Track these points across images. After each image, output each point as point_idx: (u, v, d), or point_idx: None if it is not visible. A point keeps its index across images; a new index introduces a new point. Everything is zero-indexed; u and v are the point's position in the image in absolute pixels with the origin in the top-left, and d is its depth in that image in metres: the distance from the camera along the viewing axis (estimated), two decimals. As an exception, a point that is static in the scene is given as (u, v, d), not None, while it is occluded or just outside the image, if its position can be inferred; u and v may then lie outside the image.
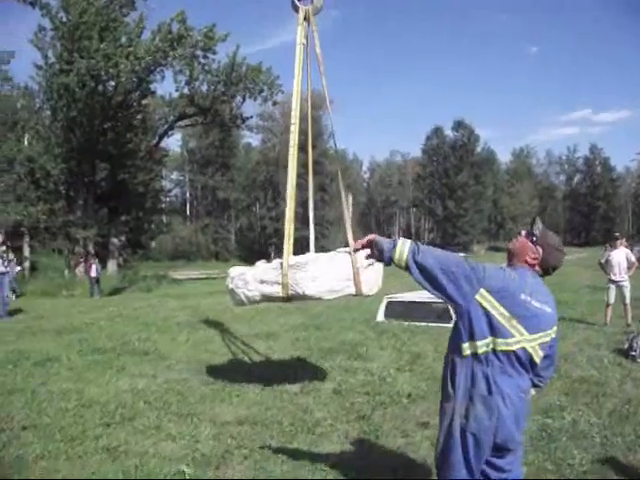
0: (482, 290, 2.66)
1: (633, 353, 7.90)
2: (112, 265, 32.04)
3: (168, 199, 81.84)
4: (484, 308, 2.67)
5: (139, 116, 30.68)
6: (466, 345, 2.74)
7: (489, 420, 2.67)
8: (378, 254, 2.92)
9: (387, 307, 12.00)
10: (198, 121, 33.75)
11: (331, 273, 5.16)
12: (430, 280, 2.74)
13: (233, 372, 7.42)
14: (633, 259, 11.21)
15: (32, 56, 29.70)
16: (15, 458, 4.60)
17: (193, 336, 10.20)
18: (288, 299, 5.38)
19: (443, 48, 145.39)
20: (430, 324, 10.99)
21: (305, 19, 6.13)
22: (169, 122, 31.92)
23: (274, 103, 30.91)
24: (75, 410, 5.81)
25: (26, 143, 33.73)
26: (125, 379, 7.16)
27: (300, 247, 7.08)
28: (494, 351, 2.69)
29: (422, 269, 2.74)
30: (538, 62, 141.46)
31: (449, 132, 79.49)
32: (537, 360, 2.76)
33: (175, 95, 30.85)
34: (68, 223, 29.99)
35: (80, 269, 29.52)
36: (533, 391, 3.04)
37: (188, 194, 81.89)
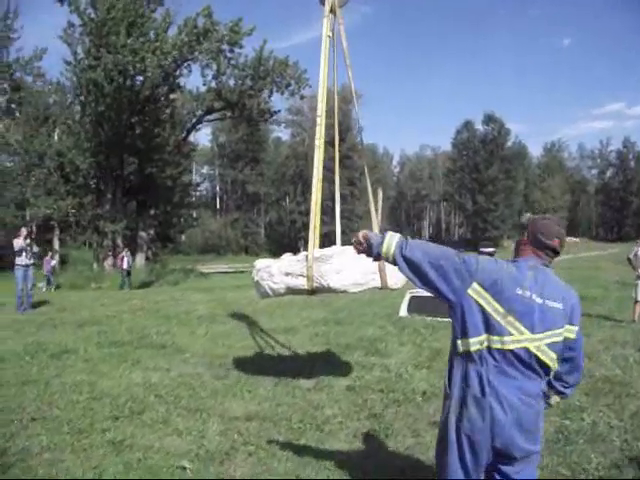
0: (475, 284, 2.52)
1: (661, 352, 7.62)
2: (140, 259, 32.36)
3: (198, 193, 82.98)
4: (478, 304, 2.52)
5: (167, 110, 30.81)
6: (459, 342, 2.60)
7: (482, 422, 2.51)
8: (368, 249, 2.78)
9: (410, 302, 11.81)
10: (226, 115, 33.86)
11: (356, 266, 5.12)
12: (419, 275, 2.61)
13: (248, 366, 7.33)
14: None
15: (62, 52, 30.10)
16: (21, 449, 4.58)
17: (212, 330, 10.15)
18: (312, 292, 5.34)
19: (475, 42, 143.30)
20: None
21: (331, 11, 6.03)
22: (197, 116, 32.01)
23: (301, 97, 30.84)
24: (85, 403, 5.80)
25: (56, 138, 34.22)
26: (138, 372, 7.14)
27: (328, 241, 7.01)
28: (489, 349, 2.53)
29: (410, 263, 2.61)
30: (571, 55, 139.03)
31: (479, 126, 78.59)
32: (549, 362, 2.56)
33: (203, 89, 30.96)
34: (97, 217, 30.37)
35: (109, 262, 29.89)
36: (557, 398, 2.91)
37: (218, 188, 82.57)
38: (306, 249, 5.44)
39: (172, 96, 30.52)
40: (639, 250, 10.86)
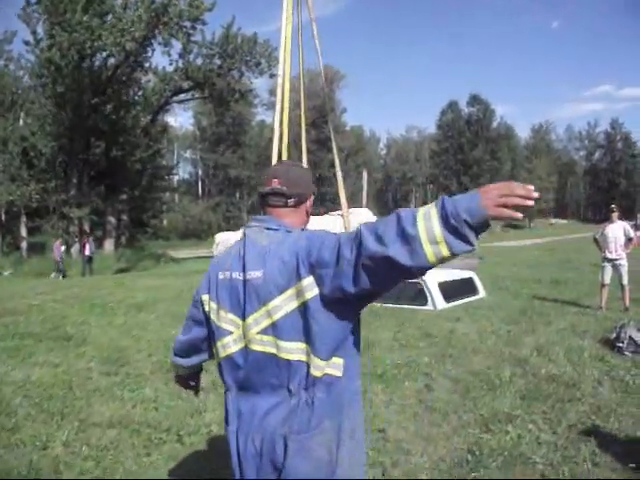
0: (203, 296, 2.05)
1: (620, 344, 6.68)
2: (109, 244, 31.33)
3: (177, 177, 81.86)
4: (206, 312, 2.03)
5: (131, 91, 29.58)
6: None
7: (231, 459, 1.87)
8: None
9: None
10: (194, 95, 32.61)
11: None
12: None
13: (147, 361, 6.58)
14: (632, 234, 9.83)
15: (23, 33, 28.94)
16: None
17: (133, 319, 9.46)
18: None
19: (463, 23, 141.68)
20: (403, 306, 9.94)
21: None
22: (164, 97, 30.79)
23: (271, 76, 29.59)
24: None
25: (21, 122, 33.05)
26: (23, 368, 6.49)
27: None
28: (219, 364, 1.96)
29: None
30: (560, 36, 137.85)
31: (465, 107, 77.37)
32: (284, 356, 1.78)
33: (170, 69, 29.77)
34: (62, 202, 29.24)
35: (75, 248, 28.83)
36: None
37: (199, 172, 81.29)
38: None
39: (135, 76, 29.24)
40: (605, 229, 9.94)
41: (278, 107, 5.33)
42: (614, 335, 6.92)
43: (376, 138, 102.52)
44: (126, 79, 27.86)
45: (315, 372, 1.73)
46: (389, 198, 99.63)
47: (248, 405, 1.83)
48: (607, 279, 9.74)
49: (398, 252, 1.51)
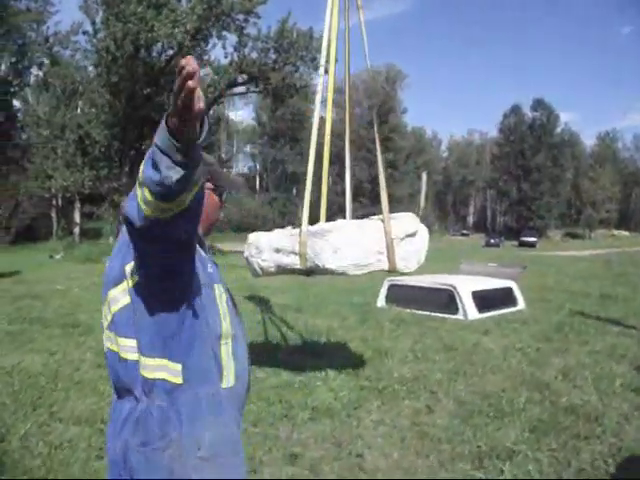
0: None
1: (659, 373, 5.99)
2: (158, 233, 31.65)
3: (237, 170, 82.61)
4: None
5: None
6: None
7: None
8: None
9: (389, 291, 10.42)
10: (249, 89, 32.52)
11: (358, 244, 4.30)
12: None
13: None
14: None
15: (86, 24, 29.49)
16: None
17: None
18: (307, 272, 4.68)
19: (532, 27, 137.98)
20: (433, 314, 9.40)
21: None
22: (218, 90, 30.75)
23: (326, 71, 29.17)
24: None
25: (79, 110, 33.77)
26: (18, 354, 6.47)
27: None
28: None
29: None
30: (630, 43, 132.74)
31: (528, 112, 75.21)
32: (123, 355, 1.61)
33: (225, 62, 29.71)
34: (113, 190, 29.65)
35: (123, 236, 29.26)
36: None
37: (258, 166, 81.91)
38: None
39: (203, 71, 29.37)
40: None
41: (318, 98, 5.17)
42: (654, 362, 6.22)
43: (438, 140, 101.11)
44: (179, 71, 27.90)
45: (145, 372, 1.56)
46: (448, 201, 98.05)
47: (116, 409, 1.68)
48: None
49: (130, 206, 1.32)
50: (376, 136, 5.46)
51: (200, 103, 1.12)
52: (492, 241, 55.57)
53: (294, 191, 75.32)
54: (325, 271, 4.40)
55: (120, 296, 1.59)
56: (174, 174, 1.18)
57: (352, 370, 5.89)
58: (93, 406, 4.73)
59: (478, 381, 5.69)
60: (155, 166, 1.20)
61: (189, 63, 1.08)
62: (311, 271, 4.55)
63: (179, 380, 1.57)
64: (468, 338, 7.69)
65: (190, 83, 1.08)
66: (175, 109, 1.14)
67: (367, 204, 63.49)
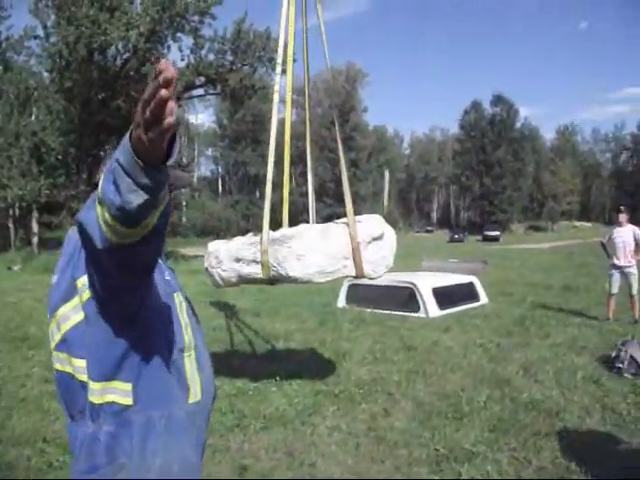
0: None
1: (620, 365, 5.90)
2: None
3: (199, 174, 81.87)
4: None
5: (140, 86, 29.17)
6: None
7: None
8: None
9: (349, 291, 10.27)
10: (207, 91, 32.13)
11: (322, 249, 4.12)
12: None
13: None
14: None
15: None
16: None
17: None
18: (270, 282, 4.40)
19: (488, 25, 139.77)
20: (394, 312, 9.28)
21: None
22: (176, 93, 30.34)
23: (284, 71, 28.97)
24: None
25: (33, 117, 32.97)
26: None
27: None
28: None
29: None
30: (587, 38, 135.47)
31: (488, 107, 75.89)
32: (78, 377, 1.47)
33: (181, 65, 29.27)
34: (71, 198, 29.00)
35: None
36: None
37: (220, 170, 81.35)
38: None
39: (144, 70, 28.85)
40: (613, 234, 9.11)
41: (276, 98, 4.98)
42: (614, 354, 6.15)
43: (400, 138, 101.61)
44: (134, 74, 27.31)
45: (92, 398, 1.45)
46: (412, 198, 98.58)
47: (72, 431, 1.54)
48: (615, 288, 8.90)
49: (87, 224, 1.17)
50: (338, 137, 5.28)
51: (172, 117, 0.99)
52: (456, 236, 56.12)
53: (257, 193, 74.96)
54: (289, 279, 4.21)
55: (71, 313, 1.46)
56: (136, 198, 1.04)
57: (308, 375, 5.71)
58: (37, 424, 4.50)
59: (437, 380, 5.57)
60: (116, 185, 1.05)
61: (168, 69, 0.96)
62: (275, 280, 4.33)
63: (129, 401, 1.45)
64: (428, 336, 7.59)
65: (163, 92, 0.96)
66: (142, 120, 0.99)
67: (332, 204, 63.60)
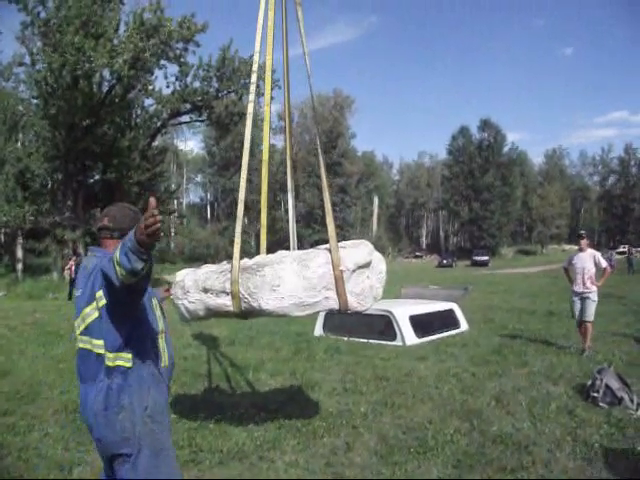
0: None
1: (595, 394, 5.76)
2: (105, 268, 30.73)
3: (188, 201, 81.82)
4: None
5: (126, 113, 29.15)
6: None
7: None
8: None
9: (325, 319, 10.10)
10: (192, 118, 32.15)
11: (300, 279, 3.63)
12: None
13: (55, 400, 5.75)
14: (604, 264, 8.74)
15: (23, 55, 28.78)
16: None
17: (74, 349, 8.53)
18: (242, 315, 3.87)
19: (475, 51, 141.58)
20: (371, 341, 9.11)
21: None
22: (161, 120, 30.31)
23: (262, 94, 29.08)
24: None
25: (19, 144, 32.87)
26: None
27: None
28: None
29: None
30: (573, 63, 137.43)
31: (476, 133, 76.42)
32: (96, 351, 2.51)
33: (167, 92, 29.34)
34: (56, 224, 28.75)
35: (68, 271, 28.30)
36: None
37: (209, 196, 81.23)
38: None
39: (145, 99, 29.00)
40: (574, 259, 8.96)
41: (248, 122, 4.78)
42: (590, 382, 6.01)
43: (389, 163, 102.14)
44: (119, 101, 27.28)
45: (108, 362, 2.45)
46: (401, 224, 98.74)
47: (82, 392, 2.57)
48: (578, 315, 8.74)
49: (109, 271, 2.19)
50: (321, 164, 4.94)
51: (158, 236, 1.97)
52: (445, 262, 56.22)
53: (246, 220, 74.90)
54: (263, 313, 3.75)
55: (91, 312, 2.48)
56: (138, 265, 2.04)
57: (274, 407, 5.53)
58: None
59: (405, 412, 5.38)
60: (127, 257, 2.02)
61: (154, 217, 1.95)
62: (248, 313, 3.84)
63: (130, 365, 2.47)
64: (403, 366, 7.41)
65: (156, 227, 1.95)
66: (143, 232, 1.95)
67: (320, 230, 63.51)
